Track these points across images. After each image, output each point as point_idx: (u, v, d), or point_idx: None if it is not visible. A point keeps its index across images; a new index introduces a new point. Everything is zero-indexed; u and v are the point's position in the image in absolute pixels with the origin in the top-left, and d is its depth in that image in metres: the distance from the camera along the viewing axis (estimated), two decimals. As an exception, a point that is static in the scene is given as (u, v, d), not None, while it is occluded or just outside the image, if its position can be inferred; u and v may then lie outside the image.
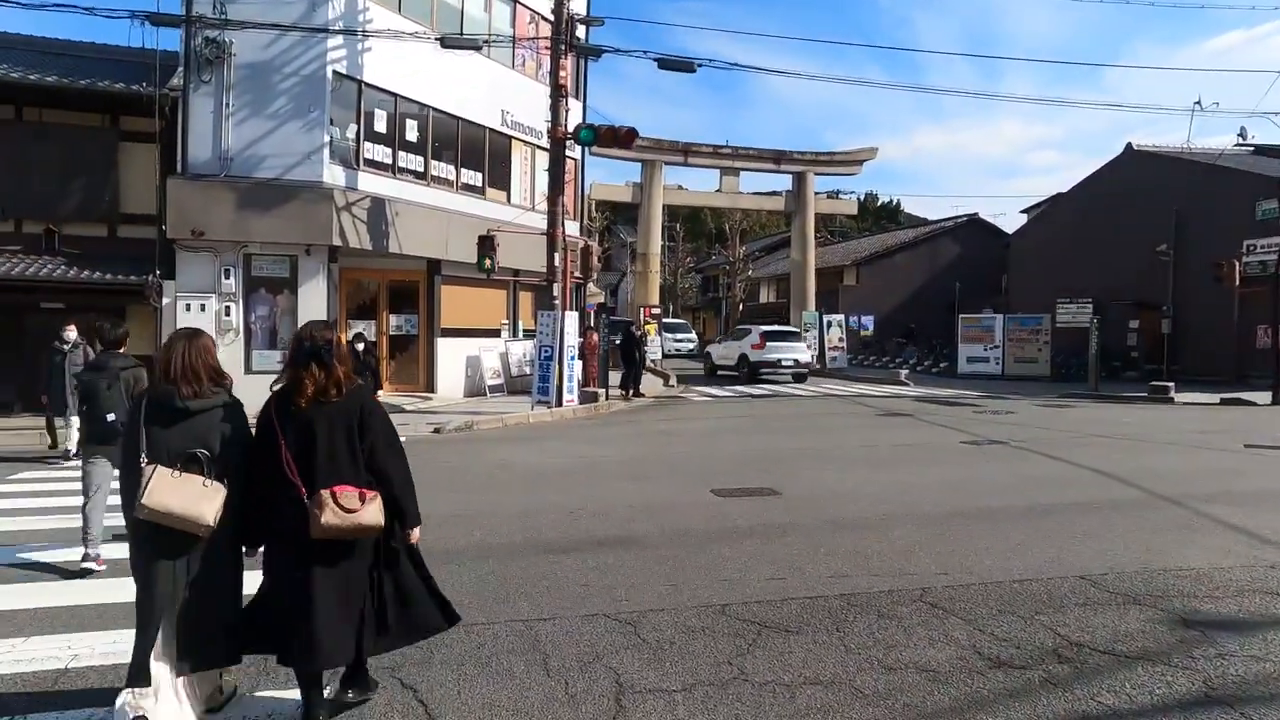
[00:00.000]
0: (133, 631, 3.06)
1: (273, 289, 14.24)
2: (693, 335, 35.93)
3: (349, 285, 16.31)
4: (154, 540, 2.96)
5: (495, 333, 18.66)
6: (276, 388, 3.18)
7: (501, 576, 5.17)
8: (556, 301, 15.04)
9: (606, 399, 16.42)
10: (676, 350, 33.45)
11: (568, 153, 21.00)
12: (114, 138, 13.68)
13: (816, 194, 29.52)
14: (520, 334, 19.29)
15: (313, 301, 14.21)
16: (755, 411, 15.75)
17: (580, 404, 15.31)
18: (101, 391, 5.38)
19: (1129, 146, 26.18)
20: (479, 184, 17.92)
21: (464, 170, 17.44)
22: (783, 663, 3.85)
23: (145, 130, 13.33)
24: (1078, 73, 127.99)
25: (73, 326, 10.07)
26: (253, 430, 3.19)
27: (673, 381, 21.36)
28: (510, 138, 18.76)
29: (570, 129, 15.16)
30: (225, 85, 13.59)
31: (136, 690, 2.90)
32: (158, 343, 13.25)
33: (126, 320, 13.83)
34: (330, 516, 2.92)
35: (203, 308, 13.32)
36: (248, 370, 13.90)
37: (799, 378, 22.53)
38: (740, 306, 37.68)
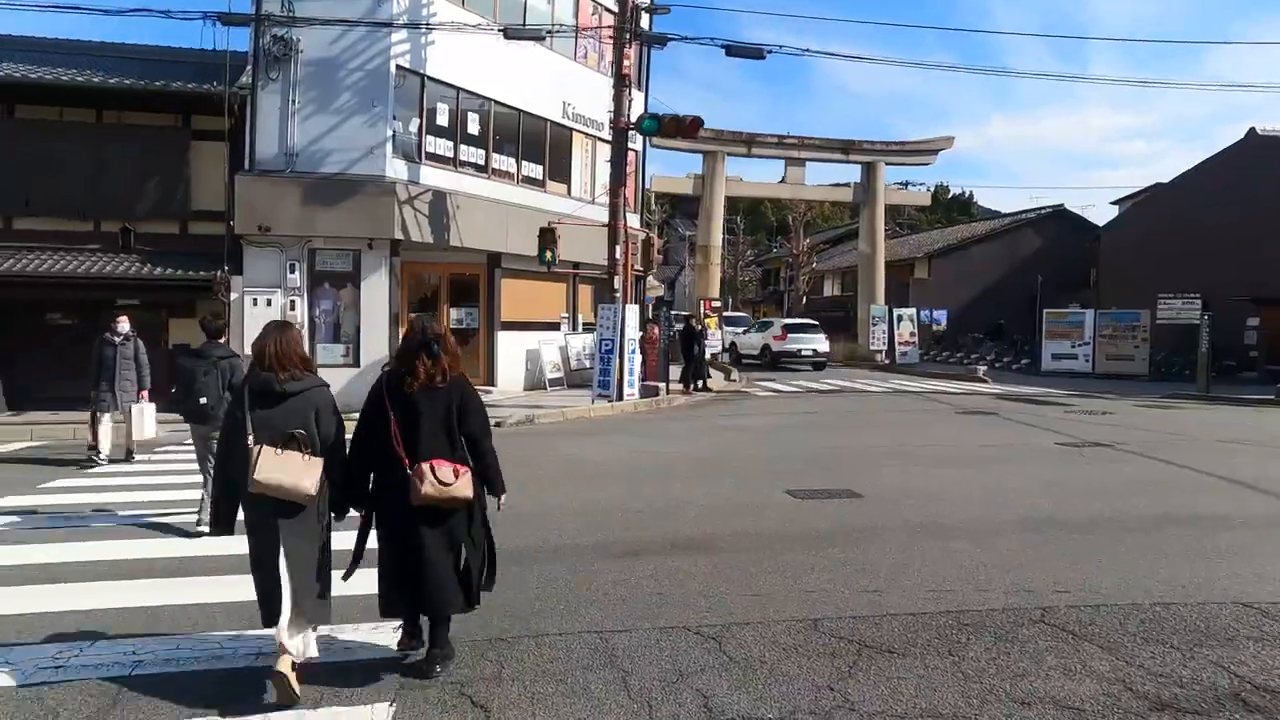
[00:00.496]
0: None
1: (336, 283, 14.29)
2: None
3: (410, 279, 16.30)
4: (262, 509, 3.34)
5: (554, 326, 18.46)
6: (387, 369, 3.63)
7: (572, 582, 4.85)
8: (618, 294, 14.73)
9: (667, 393, 16.05)
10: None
11: (629, 144, 20.79)
12: (186, 137, 13.92)
13: (886, 185, 28.43)
14: (579, 328, 19.06)
15: (375, 295, 14.22)
16: (823, 407, 15.15)
17: (641, 398, 14.98)
18: (199, 377, 6.11)
19: (1252, 131, 24.23)
20: (539, 177, 17.73)
21: (525, 163, 17.27)
22: (892, 690, 3.41)
23: (215, 129, 13.51)
24: (1171, 57, 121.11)
25: (124, 318, 9.51)
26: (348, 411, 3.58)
27: (734, 376, 20.85)
28: (571, 130, 18.52)
29: (633, 119, 14.79)
30: (292, 82, 13.67)
31: (272, 628, 3.34)
32: (226, 338, 13.44)
33: (198, 314, 14.15)
34: (428, 488, 3.35)
35: (269, 302, 13.45)
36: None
37: (818, 366, 24.68)
38: (804, 300, 36.70)
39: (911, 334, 26.77)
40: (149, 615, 4.31)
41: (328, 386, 3.60)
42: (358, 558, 3.62)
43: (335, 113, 13.93)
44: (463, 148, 15.78)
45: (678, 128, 14.25)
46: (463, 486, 3.44)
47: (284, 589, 3.30)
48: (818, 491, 7.41)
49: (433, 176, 14.98)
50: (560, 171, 18.48)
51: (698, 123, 14.20)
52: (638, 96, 17.38)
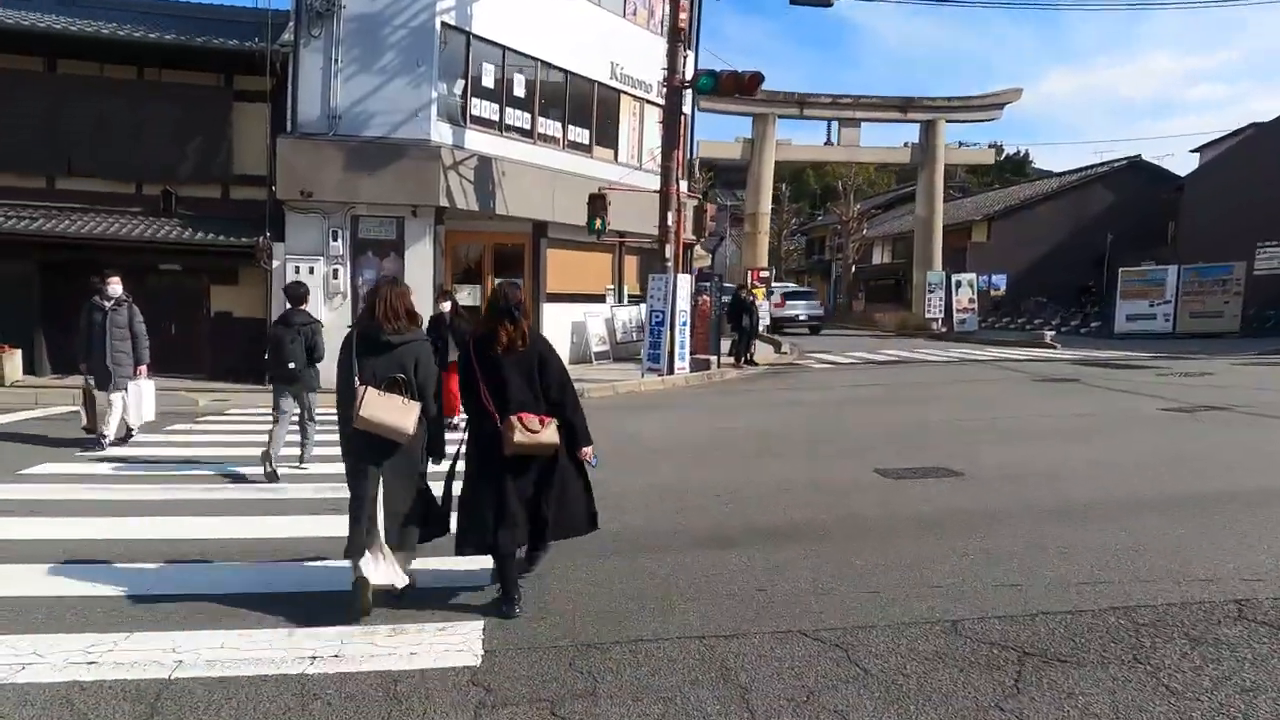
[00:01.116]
0: (330, 517, 4.41)
1: (379, 251, 13.83)
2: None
3: (454, 248, 15.81)
4: (364, 447, 3.66)
5: (600, 298, 17.85)
6: (475, 334, 3.92)
7: (658, 575, 4.25)
8: (669, 264, 14.03)
9: (718, 367, 15.36)
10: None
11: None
12: (228, 97, 13.51)
13: (946, 144, 27.05)
14: (625, 299, 18.44)
15: (419, 265, 13.73)
16: (888, 379, 14.32)
17: (691, 371, 14.32)
18: (286, 344, 6.78)
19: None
20: (586, 141, 17.02)
21: (571, 127, 16.57)
22: (1081, 711, 2.74)
23: (257, 89, 13.07)
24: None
25: (116, 279, 8.08)
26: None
27: (785, 349, 20.04)
28: (619, 92, 17.74)
29: (688, 77, 13.97)
30: (335, 40, 13.12)
31: (355, 560, 3.69)
32: (268, 306, 13.11)
33: (239, 281, 13.88)
34: (519, 436, 3.60)
35: (311, 270, 13.03)
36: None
37: (814, 329, 27.40)
38: (853, 269, 35.49)
39: (970, 300, 25.60)
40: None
41: (429, 341, 4.07)
42: (447, 500, 3.92)
43: (379, 73, 13.38)
44: (508, 111, 15.14)
45: (736, 84, 13.40)
46: (550, 433, 3.71)
47: (378, 521, 3.69)
48: (911, 470, 6.70)
49: (478, 141, 14.38)
50: (607, 136, 17.74)
51: (758, 79, 13.32)
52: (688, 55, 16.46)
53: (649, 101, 18.72)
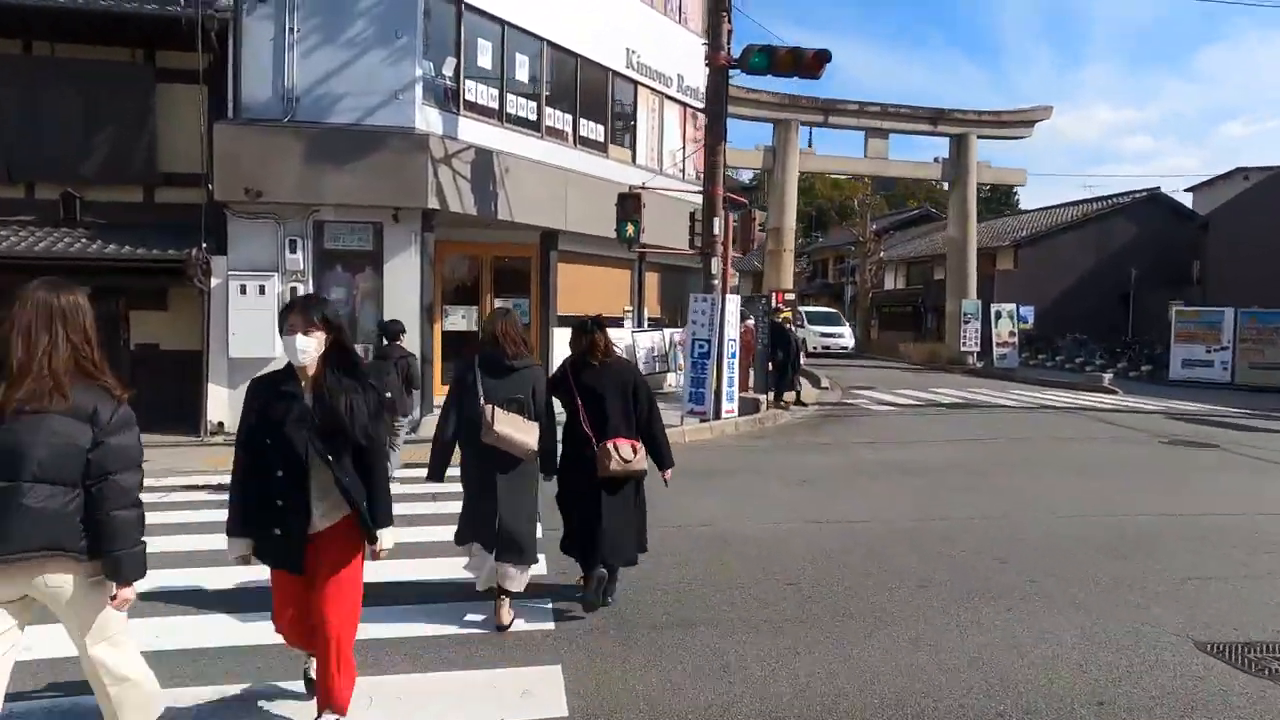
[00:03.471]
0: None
1: (351, 266, 11.04)
2: (844, 329, 29.70)
3: (445, 262, 13.04)
4: (486, 462, 3.94)
5: (618, 321, 15.13)
6: (569, 358, 4.30)
7: None
8: (715, 282, 11.34)
9: (767, 408, 12.62)
10: (825, 348, 28.18)
11: (696, 103, 17.39)
12: (149, 77, 10.65)
13: (978, 161, 24.75)
14: (645, 323, 15.74)
15: (403, 281, 10.95)
16: (975, 430, 11.64)
17: (740, 415, 11.60)
18: (383, 376, 7.15)
19: None
20: (600, 139, 14.38)
21: (584, 121, 13.93)
22: None
23: (188, 67, 10.28)
24: (1168, 55, 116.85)
25: None
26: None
27: (825, 383, 17.34)
28: (636, 83, 15.16)
29: (735, 54, 11.37)
30: (289, 6, 10.41)
31: (467, 546, 4.13)
32: (204, 335, 10.25)
33: (169, 305, 10.99)
34: (614, 464, 4.01)
35: (261, 290, 10.22)
36: None
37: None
38: (870, 294, 32.95)
39: (1011, 334, 23.14)
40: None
41: (542, 366, 4.28)
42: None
43: (348, 45, 10.66)
44: (510, 98, 12.46)
45: (795, 63, 10.78)
46: (640, 461, 4.10)
47: (497, 531, 3.90)
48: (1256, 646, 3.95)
49: (473, 131, 11.68)
50: (623, 134, 15.14)
51: (823, 57, 10.71)
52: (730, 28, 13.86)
53: (669, 97, 16.21)
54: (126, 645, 2.47)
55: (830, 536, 5.78)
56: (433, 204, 10.76)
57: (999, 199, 58.50)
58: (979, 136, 24.43)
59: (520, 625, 4.00)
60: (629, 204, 10.78)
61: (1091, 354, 24.12)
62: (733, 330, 11.35)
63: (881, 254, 32.85)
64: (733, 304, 11.39)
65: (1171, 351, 20.88)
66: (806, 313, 28.46)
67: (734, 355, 11.40)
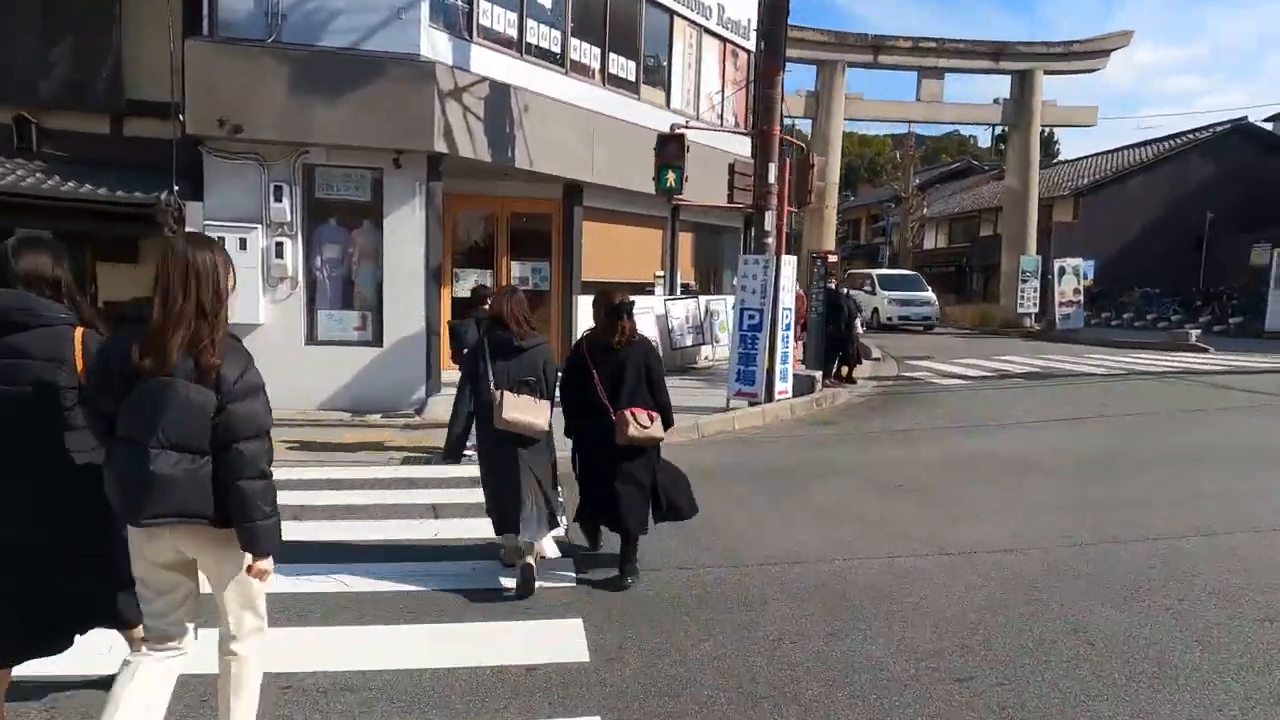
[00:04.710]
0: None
1: (347, 219, 9.53)
2: (928, 296, 24.28)
3: (455, 218, 11.50)
4: (501, 444, 4.00)
5: (648, 288, 13.58)
6: (587, 336, 4.32)
7: None
8: (769, 241, 9.72)
9: (823, 386, 11.07)
10: (903, 319, 23.41)
11: (738, 39, 15.55)
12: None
13: (1043, 101, 22.54)
14: (678, 289, 14.18)
15: (405, 238, 9.43)
16: (1076, 406, 10.04)
17: (794, 396, 10.07)
18: (465, 336, 7.19)
19: None
20: (631, 77, 12.66)
21: (613, 56, 12.20)
22: None
23: (160, -25, 8.69)
24: None
25: None
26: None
27: (876, 354, 15.72)
28: (672, 13, 13.36)
29: (793, -35, 9.59)
30: (276, -95, 8.74)
31: (506, 535, 4.17)
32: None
33: (140, 257, 9.56)
34: (634, 430, 4.02)
35: (243, 244, 8.73)
36: (310, 340, 9.34)
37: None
38: (912, 253, 30.88)
39: (1076, 291, 21.24)
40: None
41: (548, 344, 4.26)
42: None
43: (342, -46, 9.01)
44: (530, 24, 10.76)
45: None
46: (658, 427, 4.15)
47: (525, 503, 4.00)
48: None
49: (488, 62, 10.03)
50: (657, 73, 13.39)
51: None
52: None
53: (708, 30, 14.40)
54: (262, 617, 2.41)
55: (976, 580, 4.28)
56: (440, 147, 9.18)
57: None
58: (1046, 72, 22.19)
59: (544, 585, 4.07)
60: (670, 147, 9.14)
61: (1165, 309, 22.22)
62: (788, 297, 9.77)
63: (925, 210, 30.73)
64: (788, 266, 9.78)
65: (1270, 299, 18.92)
66: (878, 276, 24.73)
67: (788, 327, 9.83)
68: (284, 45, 8.75)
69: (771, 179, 9.62)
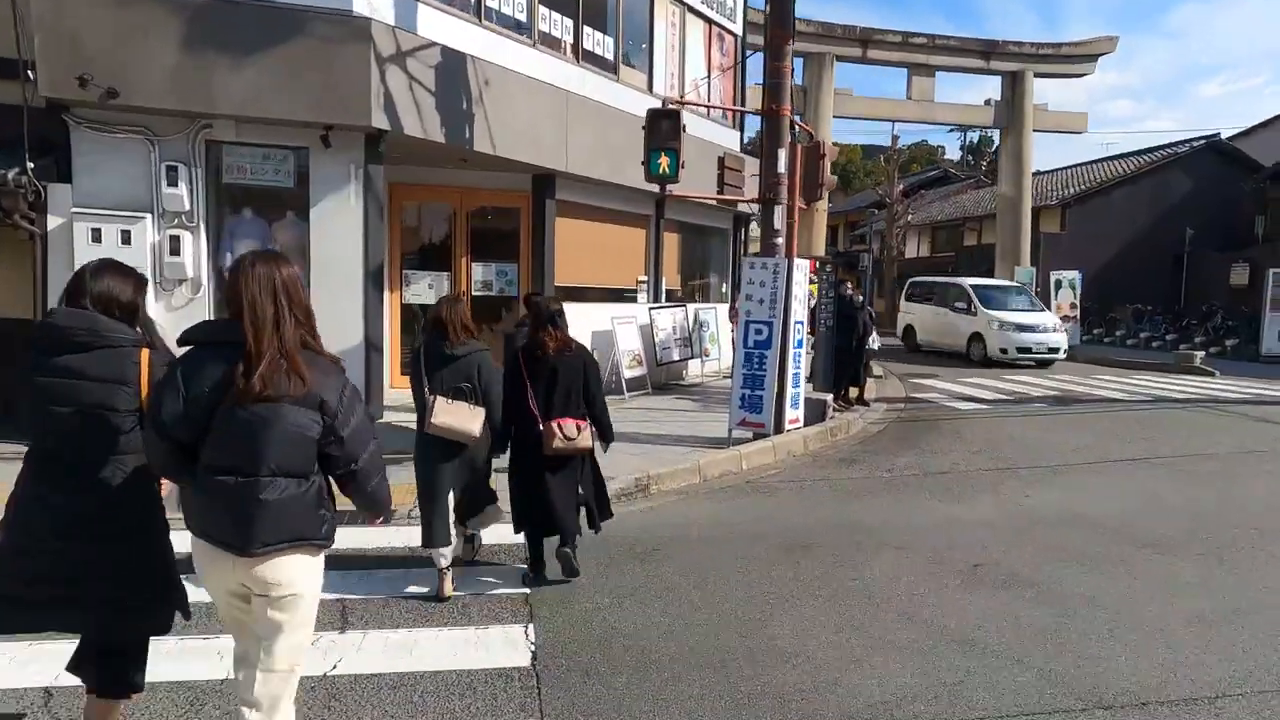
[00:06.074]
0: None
1: (265, 209, 7.76)
2: (1049, 320, 16.88)
3: (404, 212, 9.80)
4: (436, 449, 4.06)
5: (630, 294, 11.98)
6: (521, 344, 4.39)
7: None
8: (778, 241, 8.18)
9: (833, 412, 9.54)
10: (1024, 352, 16.08)
11: (724, 21, 14.06)
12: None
13: (1034, 105, 21.64)
14: (663, 296, 12.60)
15: (339, 233, 7.69)
16: (1125, 440, 8.64)
17: (806, 424, 8.52)
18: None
19: None
20: (610, 56, 11.07)
21: (587, 30, 10.60)
22: None
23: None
24: (1138, 14, 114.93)
25: None
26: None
27: (878, 370, 14.27)
28: (654, -13, 11.82)
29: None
30: None
31: (434, 549, 4.10)
32: (37, 298, 6.98)
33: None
34: (558, 442, 4.12)
35: (125, 237, 6.94)
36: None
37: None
38: (896, 261, 29.63)
39: (1072, 306, 20.18)
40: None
41: (489, 350, 4.25)
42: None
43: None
44: (492, -13, 9.11)
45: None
46: (585, 438, 4.21)
47: (450, 512, 4.13)
48: None
49: (440, 26, 8.35)
50: (638, 53, 11.83)
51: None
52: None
53: (692, 9, 12.92)
54: (293, 644, 2.26)
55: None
56: (379, 122, 7.47)
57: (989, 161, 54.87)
58: (1036, 74, 21.36)
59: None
60: (664, 126, 7.52)
61: (1158, 327, 21.23)
62: (800, 308, 8.21)
63: (909, 216, 29.53)
64: (801, 271, 8.23)
65: (1265, 322, 17.99)
66: (973, 288, 17.29)
67: (800, 344, 8.27)
68: (178, -10, 6.96)
69: (781, 167, 8.07)
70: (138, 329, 2.45)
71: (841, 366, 10.44)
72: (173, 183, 7.08)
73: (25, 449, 2.41)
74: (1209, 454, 8.10)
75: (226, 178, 7.50)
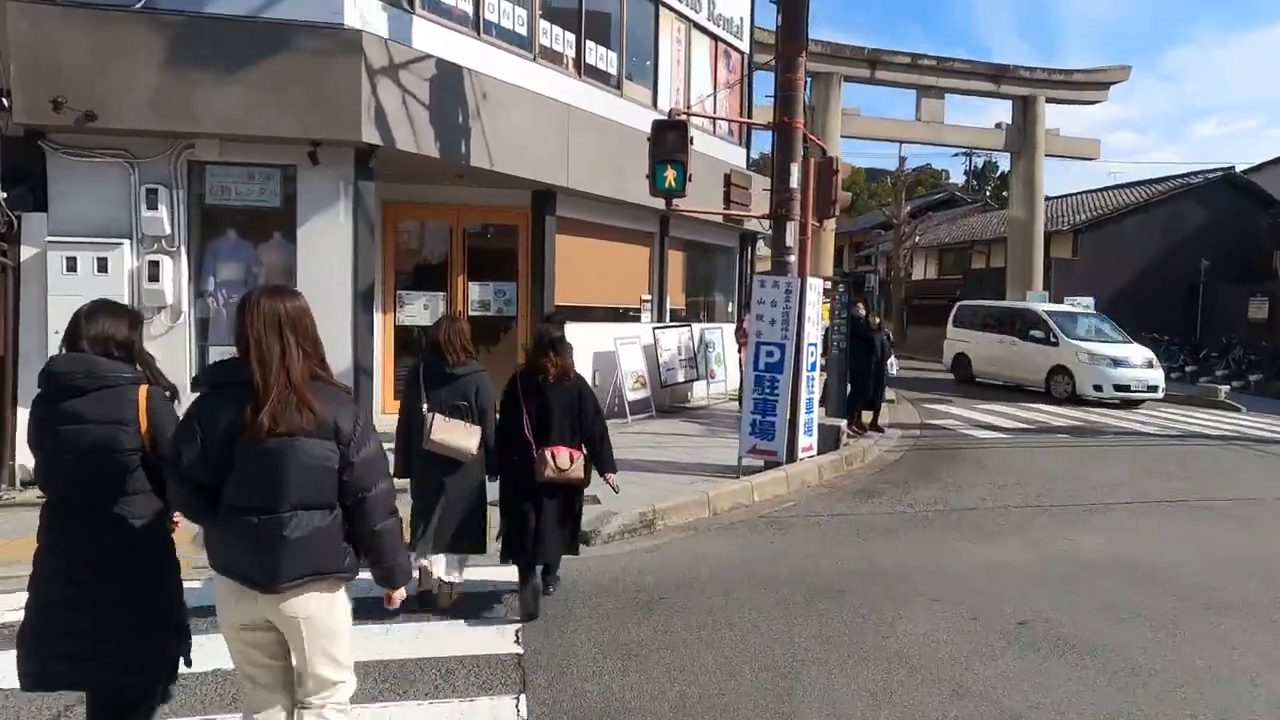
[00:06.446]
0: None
1: (250, 231, 7.42)
2: (1137, 350, 15.17)
3: (396, 229, 9.45)
4: (431, 465, 4.13)
5: (633, 314, 11.61)
6: (521, 369, 4.32)
7: None
8: (790, 259, 7.78)
9: (846, 439, 9.10)
10: (1123, 389, 14.16)
11: (730, 38, 13.79)
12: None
13: (1046, 130, 21.36)
14: (667, 316, 12.22)
15: (326, 255, 7.33)
16: (1160, 478, 8.18)
17: (820, 452, 8.08)
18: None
19: None
20: (613, 70, 10.78)
21: (590, 45, 10.30)
22: None
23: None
24: (1135, 53, 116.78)
25: None
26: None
27: (889, 394, 13.77)
28: (657, 1, 11.54)
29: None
30: None
31: (420, 555, 4.15)
32: (8, 334, 6.59)
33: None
34: (550, 471, 4.05)
35: (102, 265, 6.58)
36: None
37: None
38: (902, 285, 29.20)
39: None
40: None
41: (486, 371, 4.28)
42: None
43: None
44: (489, 1, 8.81)
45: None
46: (578, 469, 4.15)
47: (435, 527, 4.14)
48: None
49: (435, 39, 8.05)
50: (642, 69, 11.54)
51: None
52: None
53: (698, 26, 12.69)
54: (349, 663, 2.32)
55: None
56: (370, 137, 7.13)
57: (1006, 185, 54.39)
58: (1048, 100, 21.00)
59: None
60: (670, 138, 7.16)
61: (1174, 358, 20.70)
62: (814, 330, 7.80)
63: (917, 238, 29.13)
64: (814, 291, 7.83)
65: None
66: (1050, 315, 15.66)
67: (814, 366, 7.85)
68: (156, 10, 6.64)
69: (794, 182, 7.69)
70: (136, 366, 2.44)
71: (857, 391, 10.04)
72: (152, 205, 6.74)
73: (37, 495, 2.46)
74: (1255, 499, 7.59)
75: (210, 199, 7.16)
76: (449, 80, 8.00)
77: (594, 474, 4.37)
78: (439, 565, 4.23)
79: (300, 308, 2.21)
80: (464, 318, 4.49)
